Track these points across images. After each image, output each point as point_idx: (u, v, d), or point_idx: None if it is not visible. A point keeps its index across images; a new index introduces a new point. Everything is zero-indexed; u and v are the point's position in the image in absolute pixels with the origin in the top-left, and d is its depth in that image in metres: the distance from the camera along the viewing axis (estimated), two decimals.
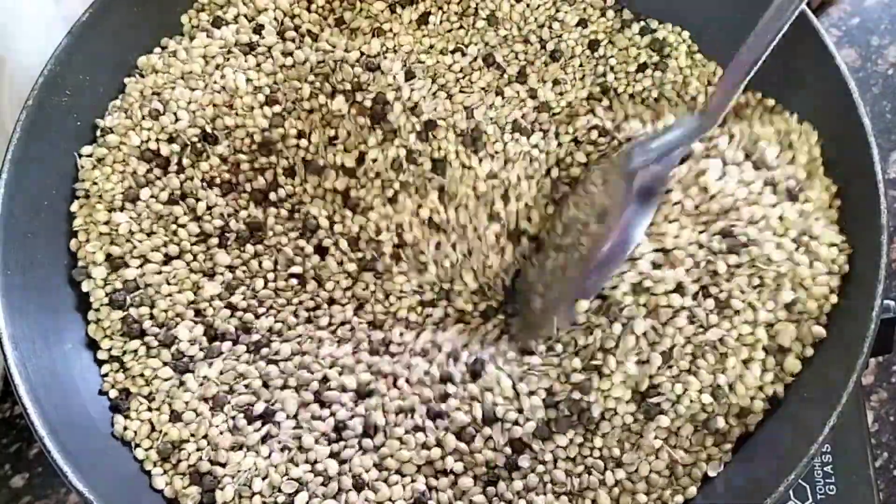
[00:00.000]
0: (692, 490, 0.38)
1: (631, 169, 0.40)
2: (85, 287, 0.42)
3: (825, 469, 0.43)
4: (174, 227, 0.44)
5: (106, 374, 0.41)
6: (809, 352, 0.39)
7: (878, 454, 0.50)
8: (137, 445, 0.40)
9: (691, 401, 0.38)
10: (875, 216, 0.38)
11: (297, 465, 0.39)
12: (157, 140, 0.45)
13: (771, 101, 0.44)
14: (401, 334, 0.43)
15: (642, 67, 0.46)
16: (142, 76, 0.46)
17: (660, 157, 0.40)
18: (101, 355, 0.42)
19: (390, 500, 0.39)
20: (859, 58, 0.59)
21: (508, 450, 0.39)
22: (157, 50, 0.47)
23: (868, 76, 0.59)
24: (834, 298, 0.39)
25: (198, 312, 0.43)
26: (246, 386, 0.41)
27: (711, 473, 0.38)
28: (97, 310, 0.42)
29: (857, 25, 0.60)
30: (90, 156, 0.44)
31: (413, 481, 0.39)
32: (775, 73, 0.44)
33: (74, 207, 0.43)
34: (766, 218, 0.39)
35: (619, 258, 0.38)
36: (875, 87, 0.59)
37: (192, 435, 0.40)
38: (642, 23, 0.47)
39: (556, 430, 0.39)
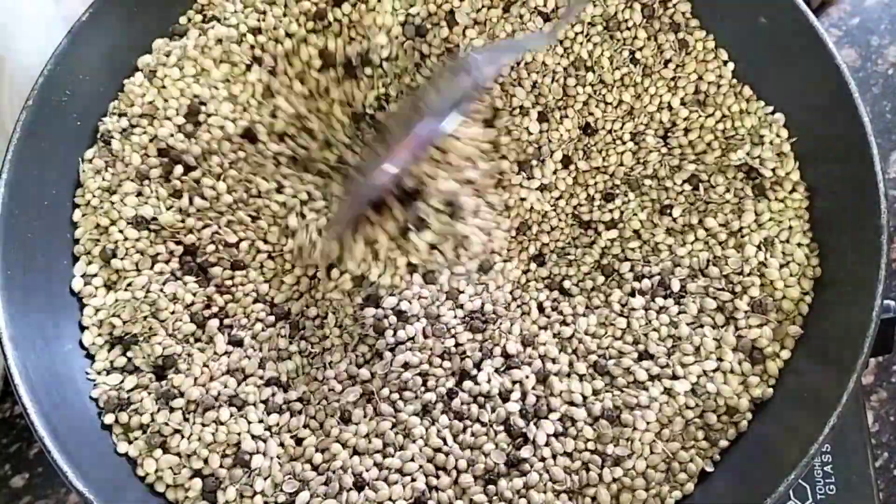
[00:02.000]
0: (689, 486, 0.39)
1: (461, 68, 0.42)
2: (84, 295, 0.42)
3: (825, 469, 0.43)
4: (174, 231, 0.44)
5: (100, 383, 0.41)
6: (787, 354, 0.40)
7: (878, 454, 0.50)
8: (131, 441, 0.40)
9: (672, 396, 0.40)
10: (875, 216, 0.38)
11: (299, 461, 0.39)
12: (158, 142, 0.45)
13: (748, 90, 0.45)
14: None
15: None
16: (142, 76, 0.46)
17: (493, 58, 0.42)
18: (97, 366, 0.41)
19: (390, 499, 0.39)
20: (859, 58, 0.59)
21: (506, 442, 0.39)
22: (157, 50, 0.47)
23: (868, 76, 0.59)
24: (808, 299, 0.41)
25: (193, 316, 0.43)
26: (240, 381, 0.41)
27: (708, 468, 0.39)
28: (90, 317, 0.42)
29: (857, 25, 0.60)
30: (90, 160, 0.44)
31: (413, 480, 0.39)
32: (775, 73, 0.44)
33: (77, 216, 0.43)
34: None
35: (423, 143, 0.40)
36: (875, 87, 0.59)
37: (192, 434, 0.40)
38: None
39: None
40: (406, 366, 0.41)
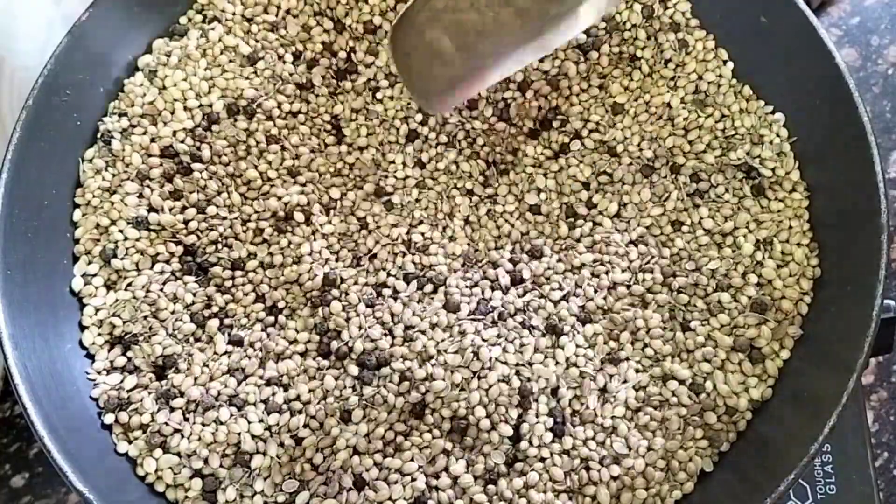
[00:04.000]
0: (689, 486, 0.39)
1: None
2: (84, 295, 0.42)
3: (825, 469, 0.43)
4: (174, 231, 0.44)
5: (100, 383, 0.41)
6: (786, 354, 0.40)
7: (878, 454, 0.50)
8: (131, 441, 0.40)
9: (673, 392, 0.41)
10: (875, 216, 0.38)
11: (299, 461, 0.39)
12: (159, 142, 0.45)
13: (748, 90, 0.45)
14: None
15: None
16: (142, 76, 0.46)
17: None
18: (97, 366, 0.41)
19: (390, 499, 0.39)
20: (859, 58, 0.59)
21: (508, 442, 0.39)
22: (157, 50, 0.47)
23: (868, 76, 0.59)
24: (808, 299, 0.41)
25: (193, 316, 0.43)
26: (239, 379, 0.41)
27: (708, 468, 0.39)
28: (90, 317, 0.42)
29: (857, 25, 0.60)
30: (91, 160, 0.44)
31: (413, 480, 0.39)
32: (775, 73, 0.44)
33: (77, 216, 0.43)
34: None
35: None
36: (875, 87, 0.59)
37: (192, 434, 0.40)
38: None
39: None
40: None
